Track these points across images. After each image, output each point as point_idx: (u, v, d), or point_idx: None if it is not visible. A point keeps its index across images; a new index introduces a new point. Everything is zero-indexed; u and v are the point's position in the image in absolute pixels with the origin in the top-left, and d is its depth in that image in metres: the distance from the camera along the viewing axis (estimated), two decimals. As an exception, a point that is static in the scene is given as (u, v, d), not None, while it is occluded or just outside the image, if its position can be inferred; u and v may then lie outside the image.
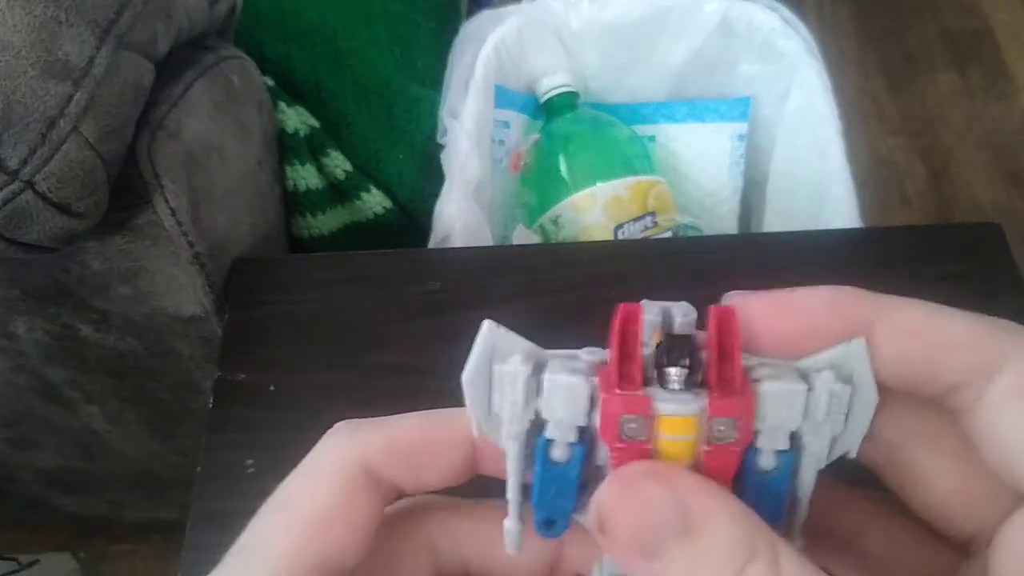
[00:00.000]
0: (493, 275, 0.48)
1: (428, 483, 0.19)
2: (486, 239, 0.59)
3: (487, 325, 0.17)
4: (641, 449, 0.16)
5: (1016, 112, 1.31)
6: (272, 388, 0.44)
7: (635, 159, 0.68)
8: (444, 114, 0.63)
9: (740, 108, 0.72)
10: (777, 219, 0.66)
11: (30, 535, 0.90)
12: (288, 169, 0.59)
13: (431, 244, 0.57)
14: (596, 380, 0.16)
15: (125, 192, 0.46)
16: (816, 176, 0.63)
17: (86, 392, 0.61)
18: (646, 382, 0.16)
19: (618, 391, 0.16)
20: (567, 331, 0.45)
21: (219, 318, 0.49)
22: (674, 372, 0.16)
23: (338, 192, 0.62)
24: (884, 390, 0.17)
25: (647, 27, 0.69)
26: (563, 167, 0.67)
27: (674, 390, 0.16)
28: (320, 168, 0.61)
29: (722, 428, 0.15)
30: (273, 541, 0.18)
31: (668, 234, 0.66)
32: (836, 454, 0.17)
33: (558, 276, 0.47)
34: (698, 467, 0.16)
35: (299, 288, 0.48)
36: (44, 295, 0.49)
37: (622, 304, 0.17)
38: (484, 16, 0.68)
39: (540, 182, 0.69)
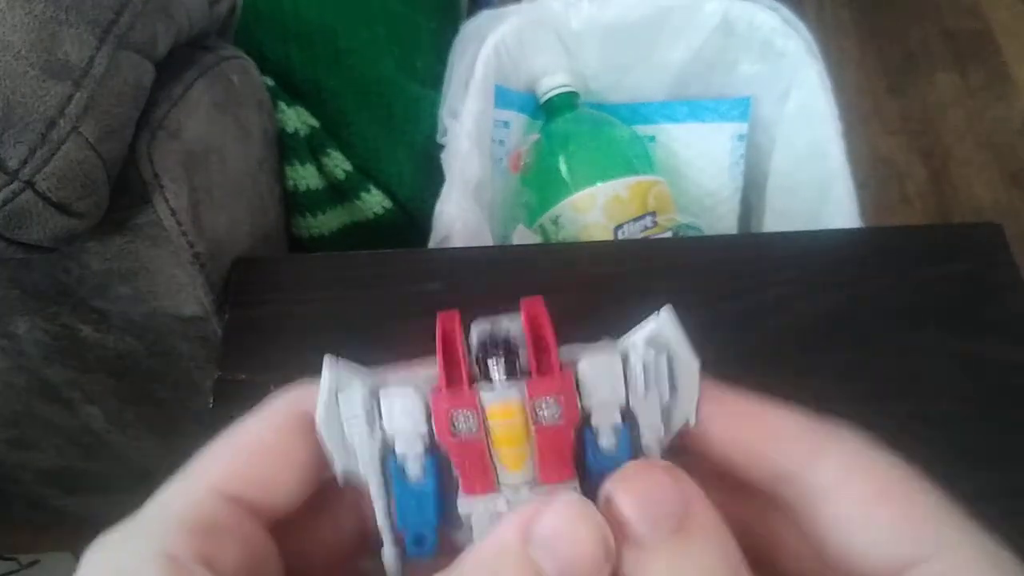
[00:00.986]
0: (493, 275, 0.48)
1: None
2: (486, 239, 0.59)
3: (327, 361, 0.17)
4: (476, 442, 0.16)
5: (1016, 112, 1.31)
6: (272, 388, 0.44)
7: (635, 159, 0.68)
8: (444, 114, 0.63)
9: (740, 108, 0.72)
10: (777, 219, 0.66)
11: (30, 535, 0.90)
12: (288, 169, 0.59)
13: (431, 244, 0.57)
14: (430, 393, 0.17)
15: (125, 192, 0.46)
16: (816, 176, 0.63)
17: (86, 392, 0.61)
18: (474, 381, 0.17)
19: (445, 391, 0.17)
20: (567, 331, 0.45)
21: (219, 318, 0.49)
22: (493, 364, 0.17)
23: (338, 192, 0.62)
24: (723, 485, 0.17)
25: (647, 27, 0.69)
26: (563, 167, 0.67)
27: (498, 382, 0.17)
28: (320, 168, 0.61)
29: (546, 408, 0.16)
30: (206, 468, 0.18)
31: (668, 234, 0.66)
32: (677, 424, 0.17)
33: (558, 276, 0.47)
34: (534, 451, 0.17)
35: (299, 288, 0.48)
36: (44, 295, 0.49)
37: (440, 313, 0.17)
38: (484, 16, 0.68)
39: (540, 182, 0.69)
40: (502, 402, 0.16)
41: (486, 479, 0.17)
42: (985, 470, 0.40)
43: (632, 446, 0.17)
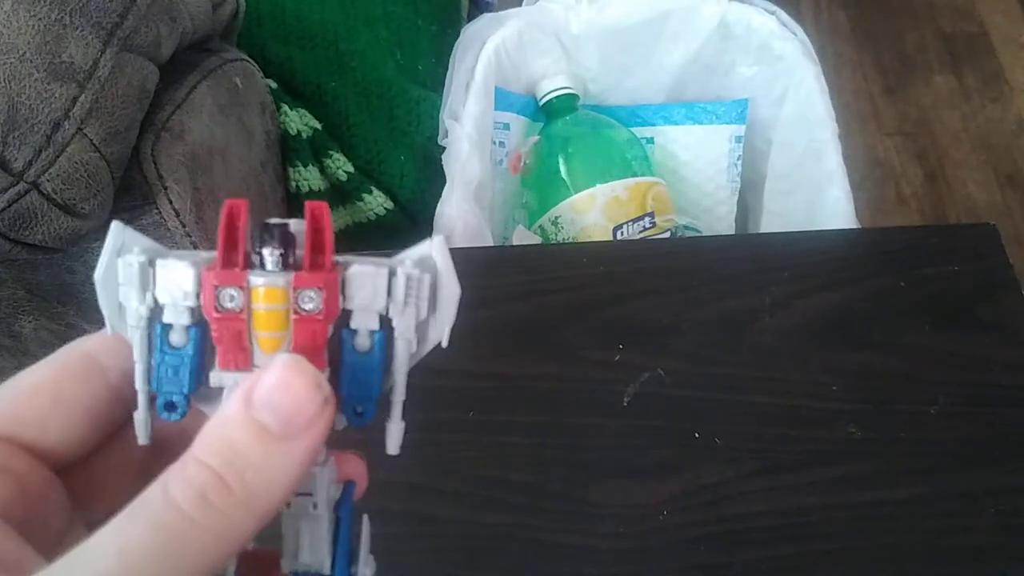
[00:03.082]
0: (493, 275, 0.48)
1: None
2: (486, 240, 0.59)
3: (115, 225, 0.18)
4: (237, 320, 0.17)
5: (1011, 114, 1.31)
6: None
7: (634, 160, 0.69)
8: (445, 116, 0.63)
9: (738, 110, 0.72)
10: (774, 220, 0.67)
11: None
12: (291, 171, 0.60)
13: (432, 245, 0.58)
14: (204, 267, 0.18)
15: (129, 193, 0.46)
16: (813, 177, 0.63)
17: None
18: (250, 267, 0.18)
19: (218, 269, 0.17)
20: (567, 331, 0.45)
21: (222, 318, 0.49)
22: (267, 253, 0.17)
23: (340, 193, 0.63)
24: None
25: (646, 30, 0.69)
26: (563, 168, 0.68)
27: (269, 270, 0.18)
28: (322, 170, 0.61)
29: (308, 299, 0.17)
30: None
31: (667, 235, 0.66)
32: (431, 343, 0.19)
33: (558, 276, 0.48)
34: (291, 339, 0.18)
35: (301, 288, 0.49)
36: (49, 295, 0.50)
37: (228, 200, 0.18)
38: (485, 19, 0.69)
39: (540, 183, 0.69)
40: (268, 286, 0.17)
41: (241, 356, 0.18)
42: (981, 468, 0.41)
43: (384, 351, 0.18)
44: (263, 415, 0.17)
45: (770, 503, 0.39)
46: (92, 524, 0.19)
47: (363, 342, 0.18)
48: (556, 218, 0.67)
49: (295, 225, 0.18)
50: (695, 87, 0.73)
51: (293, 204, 0.61)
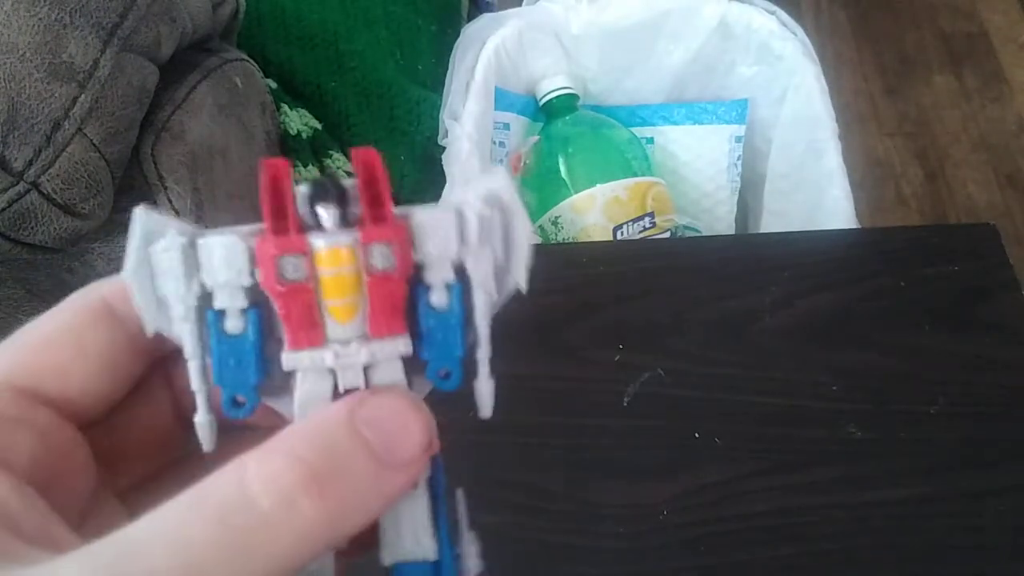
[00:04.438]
0: (494, 275, 0.48)
1: None
2: (486, 240, 0.59)
3: (139, 212, 0.15)
4: (305, 291, 0.15)
5: (1011, 114, 1.31)
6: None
7: (634, 160, 0.69)
8: (445, 116, 0.64)
9: (738, 110, 0.72)
10: (774, 220, 0.67)
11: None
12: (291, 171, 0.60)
13: (432, 245, 0.58)
14: (255, 241, 0.16)
15: (129, 193, 0.46)
16: (813, 178, 0.63)
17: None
18: (304, 231, 0.16)
19: (272, 236, 0.15)
20: (567, 331, 0.45)
21: (222, 318, 0.49)
22: (324, 211, 0.15)
23: (339, 193, 0.62)
24: None
25: (646, 30, 0.69)
26: (563, 168, 0.68)
27: (329, 230, 0.16)
28: (322, 170, 0.61)
29: (380, 256, 0.15)
30: None
31: (667, 235, 0.66)
32: (509, 289, 0.17)
33: (558, 276, 0.48)
34: (366, 303, 0.16)
35: (301, 288, 0.49)
36: (49, 295, 0.50)
37: (266, 160, 0.16)
38: (485, 19, 0.69)
39: (540, 183, 0.69)
40: (333, 247, 0.15)
41: (314, 332, 0.16)
42: (981, 468, 0.41)
43: (464, 305, 0.16)
44: (368, 433, 0.15)
45: (770, 503, 0.39)
46: (117, 491, 0.18)
47: (440, 298, 0.16)
48: (556, 218, 0.67)
49: (346, 182, 0.16)
50: (695, 87, 0.73)
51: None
